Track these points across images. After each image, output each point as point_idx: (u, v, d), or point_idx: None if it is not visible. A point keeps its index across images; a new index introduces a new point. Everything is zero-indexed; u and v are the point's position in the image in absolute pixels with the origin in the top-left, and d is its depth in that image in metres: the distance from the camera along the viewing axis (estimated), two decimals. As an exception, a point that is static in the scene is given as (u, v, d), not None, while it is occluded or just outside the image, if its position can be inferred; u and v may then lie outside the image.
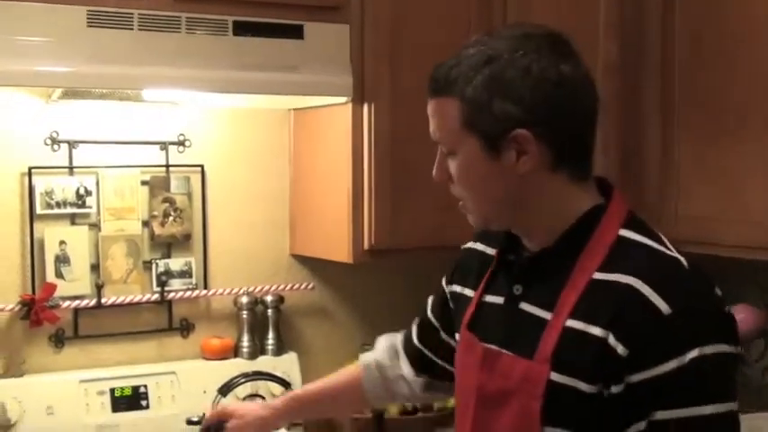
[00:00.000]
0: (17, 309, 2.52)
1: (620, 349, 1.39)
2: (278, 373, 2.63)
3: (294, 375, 2.74)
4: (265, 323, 2.81)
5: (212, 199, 2.77)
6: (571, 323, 1.45)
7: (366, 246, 2.53)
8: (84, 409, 2.51)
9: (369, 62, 2.48)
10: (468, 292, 1.70)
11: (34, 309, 2.50)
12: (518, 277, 1.57)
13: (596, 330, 1.42)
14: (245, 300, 2.78)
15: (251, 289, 2.81)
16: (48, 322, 2.53)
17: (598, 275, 1.46)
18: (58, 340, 2.60)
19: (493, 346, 1.56)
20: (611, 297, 1.43)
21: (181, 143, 2.72)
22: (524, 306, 1.54)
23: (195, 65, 2.30)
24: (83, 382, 2.54)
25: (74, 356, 2.62)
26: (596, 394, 1.42)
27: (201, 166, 2.75)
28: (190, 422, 2.43)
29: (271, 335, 2.81)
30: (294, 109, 2.81)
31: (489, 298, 1.63)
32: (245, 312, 2.78)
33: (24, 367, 2.53)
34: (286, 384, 2.61)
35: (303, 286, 2.88)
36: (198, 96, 2.55)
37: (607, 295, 1.44)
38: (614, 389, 1.41)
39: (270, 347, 2.80)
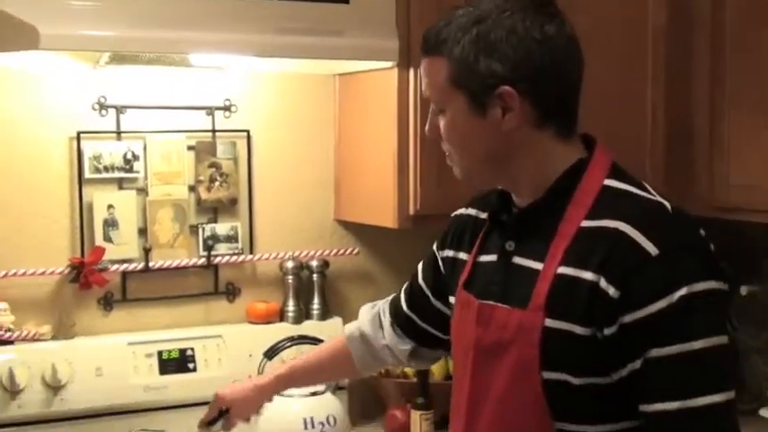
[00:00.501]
0: (67, 272, 2.54)
1: (612, 291, 1.45)
2: (323, 338, 2.63)
3: (339, 340, 2.74)
4: (310, 288, 2.82)
5: (258, 164, 2.77)
6: (562, 270, 1.51)
7: (411, 211, 2.52)
8: (132, 371, 2.54)
9: (415, 26, 2.45)
10: (463, 255, 1.75)
11: (83, 272, 2.52)
12: (510, 234, 1.62)
13: (587, 275, 1.47)
14: (290, 264, 2.78)
15: (296, 254, 2.81)
16: (96, 285, 2.55)
17: (586, 223, 1.52)
18: (107, 303, 2.62)
19: (488, 302, 1.60)
20: (600, 242, 1.48)
21: (227, 108, 2.72)
22: (517, 260, 1.59)
23: (242, 29, 2.29)
24: (131, 345, 2.56)
25: (122, 319, 2.64)
26: (591, 337, 1.48)
27: (247, 132, 2.75)
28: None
29: (316, 300, 2.81)
30: (339, 74, 2.80)
31: (483, 258, 1.68)
32: (290, 277, 2.78)
33: (74, 330, 2.56)
34: (331, 348, 2.61)
35: (348, 251, 2.88)
36: (244, 61, 2.55)
37: (596, 241, 1.49)
38: (607, 330, 1.46)
39: (315, 312, 2.81)
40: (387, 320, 2.00)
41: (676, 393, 1.42)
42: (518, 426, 1.56)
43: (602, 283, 1.46)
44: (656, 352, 1.43)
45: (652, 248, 1.44)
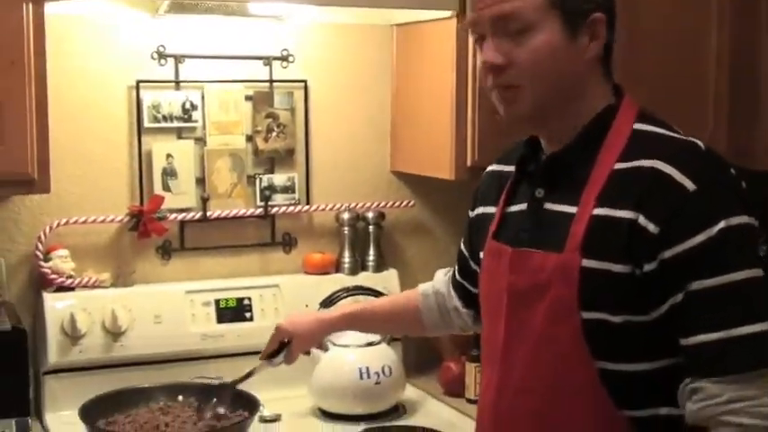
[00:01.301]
0: (126, 220, 2.56)
1: (651, 228, 1.47)
2: (379, 289, 2.62)
3: (394, 292, 2.72)
4: (366, 239, 2.80)
5: (315, 115, 2.75)
6: (598, 211, 1.52)
7: (468, 163, 2.49)
8: (189, 319, 2.55)
9: (474, -25, 2.41)
10: (491, 209, 1.76)
11: (142, 220, 2.53)
12: (539, 181, 1.64)
13: (624, 213, 1.50)
14: (346, 216, 2.77)
15: (352, 205, 2.80)
16: (155, 234, 2.56)
17: (619, 165, 1.54)
18: (165, 252, 2.63)
19: (522, 249, 1.62)
20: (636, 181, 1.51)
21: (284, 58, 2.70)
22: (548, 206, 1.61)
23: (300, -23, 2.26)
24: (189, 293, 2.58)
25: (180, 268, 2.65)
26: (629, 274, 1.50)
27: (304, 82, 2.73)
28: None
29: (371, 251, 2.80)
30: (397, 24, 2.76)
31: (513, 208, 1.70)
32: (346, 228, 2.77)
33: (133, 277, 2.58)
34: (387, 299, 2.60)
35: (404, 203, 2.86)
36: (302, 10, 2.52)
37: (631, 181, 1.51)
38: (647, 267, 1.49)
39: (370, 264, 2.79)
40: (451, 286, 2.02)
41: (718, 324, 1.45)
42: (557, 367, 1.58)
43: (641, 220, 1.48)
44: (696, 285, 1.45)
45: (689, 184, 1.47)
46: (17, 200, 2.48)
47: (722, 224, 1.45)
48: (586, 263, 1.52)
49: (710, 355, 1.46)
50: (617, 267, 1.50)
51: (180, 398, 2.39)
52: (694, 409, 1.47)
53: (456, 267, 1.99)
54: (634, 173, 1.52)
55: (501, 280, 1.66)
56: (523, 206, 1.67)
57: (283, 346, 2.13)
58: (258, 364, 2.16)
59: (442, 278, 2.06)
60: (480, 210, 1.82)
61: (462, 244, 1.95)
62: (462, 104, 2.47)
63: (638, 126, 1.58)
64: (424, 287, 2.08)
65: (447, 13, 2.44)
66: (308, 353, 2.20)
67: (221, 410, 2.31)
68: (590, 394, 1.55)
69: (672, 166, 1.48)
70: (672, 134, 1.58)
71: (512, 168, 1.73)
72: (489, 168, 1.85)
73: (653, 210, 1.48)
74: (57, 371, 2.44)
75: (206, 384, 2.39)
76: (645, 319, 1.51)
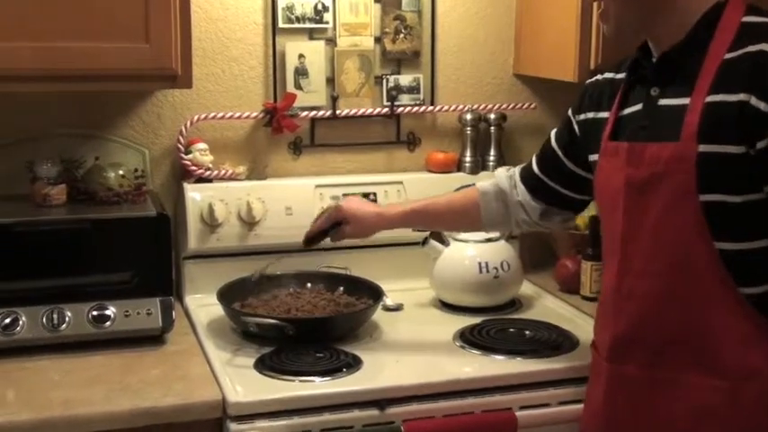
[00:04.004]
0: (261, 116, 2.61)
1: (763, 106, 1.53)
2: (499, 187, 2.62)
3: (513, 191, 2.72)
4: (487, 140, 2.80)
5: (441, 17, 2.73)
6: (710, 99, 1.57)
7: (592, 65, 2.44)
8: (318, 212, 2.58)
9: None
10: (603, 114, 1.80)
11: (276, 117, 2.58)
12: (653, 80, 1.69)
13: (736, 97, 1.55)
14: (468, 117, 2.77)
15: (475, 107, 2.79)
16: (287, 130, 2.61)
17: (728, 55, 1.58)
18: (296, 148, 2.68)
19: (638, 143, 1.66)
20: (746, 66, 1.56)
21: (412, -39, 2.68)
22: (663, 102, 1.66)
23: None
24: (318, 187, 2.62)
25: (310, 163, 2.70)
26: (744, 154, 1.55)
27: (432, -15, 2.71)
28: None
29: (492, 151, 2.80)
30: (524, -73, 2.70)
31: (627, 110, 1.74)
32: (468, 129, 2.77)
33: (267, 171, 2.64)
34: (507, 198, 2.60)
35: (525, 106, 2.84)
36: None
37: (741, 66, 1.56)
38: (760, 144, 1.54)
39: (491, 163, 2.79)
40: (520, 181, 2.07)
41: None
42: (676, 250, 1.62)
43: (753, 101, 1.53)
44: None
45: None
46: (161, 95, 2.55)
47: None
48: (703, 148, 1.57)
49: None
50: (732, 149, 1.55)
51: (308, 285, 2.47)
52: None
53: (534, 162, 2.06)
54: (743, 59, 1.56)
55: (618, 175, 1.70)
56: (638, 107, 1.71)
57: (334, 227, 2.22)
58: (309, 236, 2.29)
59: (503, 175, 2.12)
60: (589, 115, 1.87)
61: (554, 141, 2.01)
62: (588, 6, 2.41)
63: (746, 19, 1.62)
64: (482, 185, 2.14)
65: None
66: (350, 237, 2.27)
67: (347, 297, 2.39)
68: (710, 274, 1.59)
69: None
70: None
71: (622, 75, 1.79)
72: (597, 77, 1.90)
73: (763, 89, 1.53)
74: (196, 257, 2.53)
75: (333, 273, 2.45)
76: (761, 197, 1.57)
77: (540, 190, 2.05)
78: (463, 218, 2.19)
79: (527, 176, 2.08)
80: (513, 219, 2.11)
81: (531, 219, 2.08)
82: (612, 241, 1.75)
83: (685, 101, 1.61)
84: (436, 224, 2.31)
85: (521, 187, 2.08)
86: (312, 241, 2.31)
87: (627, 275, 1.70)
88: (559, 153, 2.00)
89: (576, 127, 1.94)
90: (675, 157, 1.60)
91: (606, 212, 1.79)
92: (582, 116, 1.91)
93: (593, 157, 1.83)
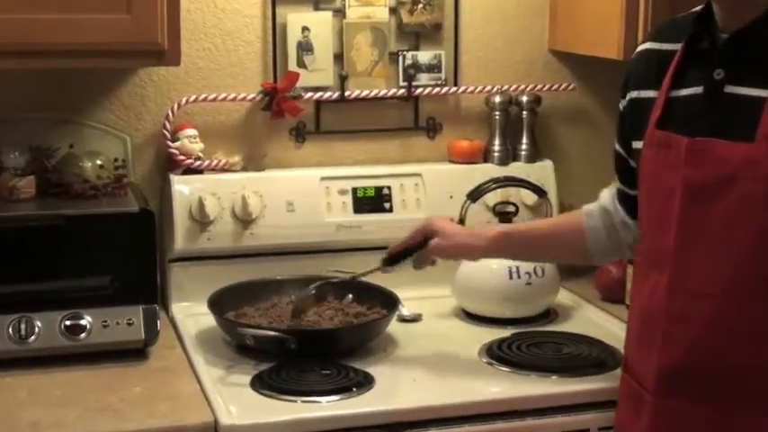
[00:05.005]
0: (258, 98, 2.61)
1: None
2: (532, 181, 2.61)
3: (549, 185, 2.73)
4: (519, 126, 2.80)
5: (466, -15, 2.75)
6: None
7: (640, 39, 2.42)
8: (324, 208, 2.61)
9: None
10: (650, 92, 1.74)
11: (276, 99, 2.59)
12: (718, 60, 1.62)
13: None
14: (497, 99, 2.76)
15: (504, 87, 2.78)
16: (289, 114, 2.61)
17: None
18: (299, 134, 2.69)
19: (700, 138, 1.60)
20: None
21: None
22: (731, 89, 1.60)
23: None
24: (324, 180, 2.63)
25: (315, 152, 2.71)
26: None
27: (455, -53, 2.71)
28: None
29: (524, 139, 2.80)
30: None
31: (682, 92, 1.68)
32: (497, 113, 2.77)
33: (265, 161, 2.64)
34: (541, 192, 2.60)
35: (562, 86, 2.83)
36: None
37: None
38: None
39: (523, 153, 2.79)
40: (616, 196, 2.01)
41: None
42: (740, 269, 1.58)
43: None
44: None
45: None
46: (144, 74, 2.56)
47: None
48: None
49: None
50: None
51: (313, 292, 2.46)
52: None
53: (617, 176, 1.98)
54: None
55: (672, 174, 1.65)
56: (697, 89, 1.66)
57: (421, 246, 2.17)
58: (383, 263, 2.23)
59: (607, 194, 2.05)
60: (633, 94, 1.81)
61: (617, 142, 1.93)
62: (635, -27, 2.42)
63: None
64: (587, 207, 2.08)
65: None
66: (433, 262, 2.22)
67: (357, 307, 2.38)
68: None
69: None
70: None
71: (674, 46, 1.72)
72: (643, 47, 1.83)
73: None
74: (183, 259, 2.54)
75: (340, 279, 2.45)
76: None
77: (630, 203, 1.95)
78: (565, 243, 2.13)
79: (618, 193, 2.00)
80: (625, 243, 2.02)
81: (637, 238, 1.96)
82: (659, 251, 1.70)
83: (761, 92, 1.56)
84: (536, 251, 2.21)
85: (617, 204, 2.00)
86: (394, 261, 2.23)
87: (680, 295, 1.66)
88: (622, 152, 1.92)
89: (626, 111, 1.87)
90: (747, 161, 1.55)
91: (652, 216, 1.75)
92: (627, 97, 1.85)
93: (637, 145, 1.78)
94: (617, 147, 1.93)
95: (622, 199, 1.98)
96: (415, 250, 2.19)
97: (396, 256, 2.23)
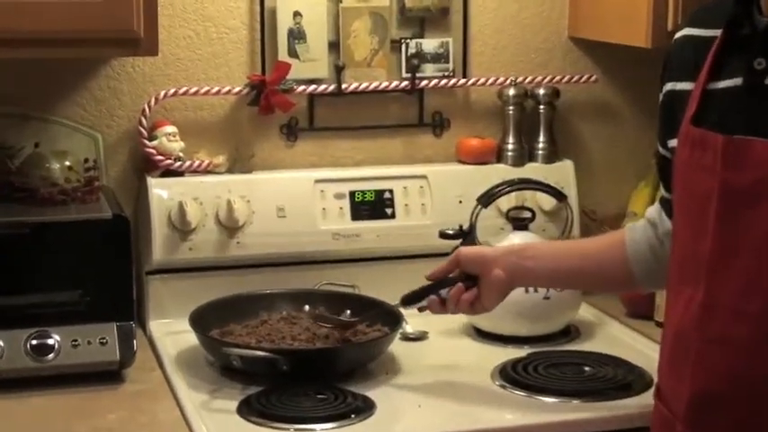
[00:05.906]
0: (245, 92, 2.63)
1: None
2: (550, 183, 2.63)
3: (569, 188, 2.74)
4: (536, 122, 2.81)
5: (476, -35, 2.77)
6: None
7: (669, 27, 2.45)
8: (319, 214, 2.62)
9: None
10: (685, 84, 1.74)
11: (264, 92, 2.60)
12: (759, 48, 1.61)
13: None
14: (511, 92, 2.78)
15: (519, 79, 2.80)
16: (279, 109, 2.63)
17: None
18: (291, 132, 2.70)
19: (738, 136, 1.59)
20: None
21: None
22: None
23: None
24: (318, 183, 2.64)
25: (308, 152, 2.73)
26: None
27: (464, -77, 2.73)
28: (443, 235, 2.50)
29: (542, 137, 2.81)
30: None
31: (720, 84, 1.67)
32: (511, 108, 2.79)
33: (253, 162, 2.65)
34: (560, 196, 2.62)
35: (584, 78, 2.85)
36: None
37: None
38: None
39: (540, 152, 2.81)
40: (661, 207, 1.99)
41: None
42: None
43: None
44: None
45: None
46: (117, 65, 2.58)
47: None
48: None
49: None
50: None
51: (306, 307, 2.48)
52: None
53: (661, 183, 1.97)
54: None
55: (707, 177, 1.65)
56: (736, 81, 1.65)
57: (454, 282, 2.14)
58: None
59: (652, 208, 2.04)
60: (668, 86, 1.81)
61: (658, 143, 1.91)
62: (664, -47, 2.44)
63: None
64: (632, 223, 2.09)
65: None
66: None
67: (357, 324, 2.40)
68: None
69: None
70: None
71: (715, 32, 1.70)
72: (681, 33, 1.82)
73: None
74: (162, 271, 2.55)
75: (337, 292, 2.46)
76: None
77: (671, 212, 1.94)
78: (604, 261, 2.10)
79: (662, 200, 1.99)
80: (665, 257, 1.98)
81: None
82: (694, 263, 1.69)
83: None
84: (573, 276, 2.19)
85: (663, 215, 1.98)
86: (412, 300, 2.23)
87: (715, 313, 1.65)
88: (667, 154, 1.88)
89: (666, 104, 1.85)
90: None
91: (685, 223, 1.74)
92: (663, 90, 1.84)
93: (672, 143, 1.77)
94: (659, 149, 1.91)
95: (668, 208, 1.95)
96: (451, 284, 2.15)
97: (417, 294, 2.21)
